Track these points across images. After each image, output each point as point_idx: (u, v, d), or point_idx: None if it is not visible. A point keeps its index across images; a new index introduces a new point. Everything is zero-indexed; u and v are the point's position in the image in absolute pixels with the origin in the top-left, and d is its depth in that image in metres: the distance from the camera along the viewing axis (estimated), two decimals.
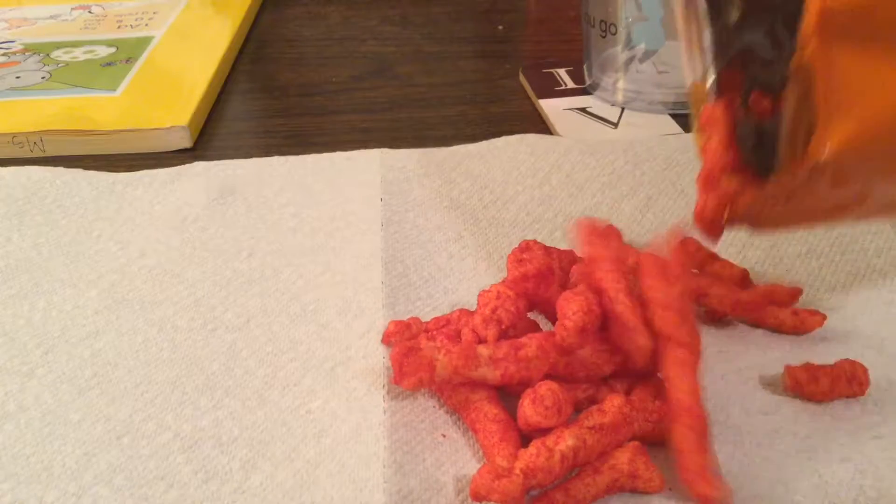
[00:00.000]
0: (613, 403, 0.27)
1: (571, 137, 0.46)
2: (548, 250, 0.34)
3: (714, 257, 0.34)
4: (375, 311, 0.34)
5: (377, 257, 0.37)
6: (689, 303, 0.28)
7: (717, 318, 0.33)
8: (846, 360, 0.29)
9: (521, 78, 0.54)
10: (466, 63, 0.58)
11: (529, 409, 0.26)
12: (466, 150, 0.45)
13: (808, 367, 0.29)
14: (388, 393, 0.30)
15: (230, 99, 0.54)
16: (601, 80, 0.50)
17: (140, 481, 0.27)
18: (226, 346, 0.32)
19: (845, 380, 0.29)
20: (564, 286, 0.32)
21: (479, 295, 0.30)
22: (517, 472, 0.25)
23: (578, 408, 0.29)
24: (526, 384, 0.28)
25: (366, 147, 0.45)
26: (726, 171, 0.28)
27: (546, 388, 0.26)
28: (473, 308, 0.33)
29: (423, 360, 0.27)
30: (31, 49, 0.58)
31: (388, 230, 0.39)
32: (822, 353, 0.31)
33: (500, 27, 0.64)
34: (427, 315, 0.34)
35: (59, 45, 0.59)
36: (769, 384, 0.30)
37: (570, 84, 0.52)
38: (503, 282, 0.30)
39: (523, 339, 0.28)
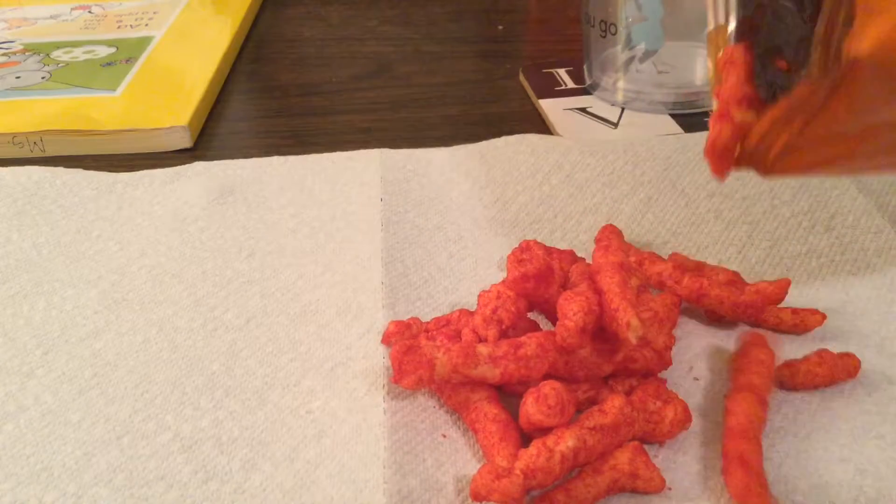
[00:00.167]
0: (614, 404, 0.27)
1: (571, 137, 0.46)
2: (548, 250, 0.34)
3: (704, 264, 0.34)
4: (375, 312, 0.34)
5: (377, 257, 0.37)
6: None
7: (716, 319, 0.33)
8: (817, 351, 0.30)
9: (521, 78, 0.54)
10: (466, 63, 0.58)
11: (532, 408, 0.26)
12: (466, 150, 0.45)
13: (789, 363, 0.30)
14: (388, 393, 0.30)
15: (230, 99, 0.54)
16: (601, 80, 0.50)
17: (140, 481, 0.27)
18: (226, 347, 0.32)
19: (826, 367, 0.29)
20: (564, 286, 0.32)
21: (480, 295, 0.30)
22: (517, 472, 0.25)
23: (579, 408, 0.29)
24: (526, 383, 0.29)
25: (366, 147, 0.45)
26: (742, 106, 0.28)
27: (549, 388, 0.26)
28: (473, 308, 0.33)
29: (422, 359, 0.27)
30: (31, 49, 0.58)
31: (388, 230, 0.39)
32: None
33: (500, 27, 0.64)
34: (427, 315, 0.34)
35: (59, 45, 0.59)
36: None
37: (570, 84, 0.52)
38: (503, 282, 0.30)
39: (523, 339, 0.28)
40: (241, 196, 0.42)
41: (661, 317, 0.29)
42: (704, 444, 0.28)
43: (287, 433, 0.29)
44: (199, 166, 0.44)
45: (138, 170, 0.44)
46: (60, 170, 0.44)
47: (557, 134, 0.47)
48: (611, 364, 0.29)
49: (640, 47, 0.48)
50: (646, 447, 0.27)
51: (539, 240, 0.38)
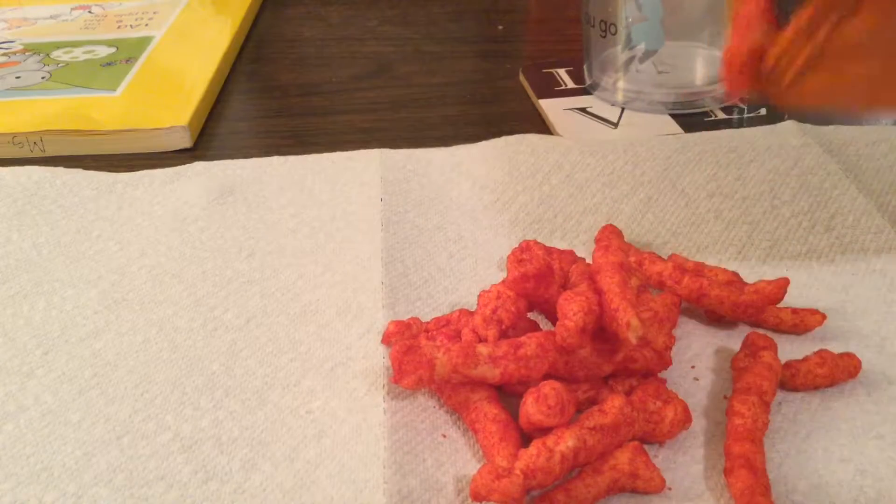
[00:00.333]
0: (614, 404, 0.27)
1: (571, 137, 0.46)
2: (548, 250, 0.34)
3: (703, 264, 0.34)
4: (375, 312, 0.34)
5: (377, 257, 0.37)
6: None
7: (716, 319, 0.33)
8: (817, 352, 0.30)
9: (521, 78, 0.54)
10: (466, 63, 0.58)
11: (533, 408, 0.26)
12: (466, 150, 0.45)
13: (789, 364, 0.30)
14: (388, 393, 0.30)
15: (230, 99, 0.54)
16: (601, 80, 0.50)
17: (140, 481, 0.27)
18: (226, 347, 0.32)
19: (827, 367, 0.29)
20: (564, 286, 0.32)
21: (480, 295, 0.30)
22: (517, 472, 0.25)
23: (579, 408, 0.29)
24: (525, 383, 0.28)
25: (366, 147, 0.45)
26: (763, 20, 0.27)
27: (550, 388, 0.26)
28: (473, 308, 0.33)
29: (422, 359, 0.27)
30: (31, 49, 0.58)
31: (388, 230, 0.39)
32: None
33: (500, 27, 0.64)
34: (427, 315, 0.34)
35: (59, 45, 0.59)
36: None
37: (570, 84, 0.52)
38: (503, 282, 0.30)
39: (523, 339, 0.28)
40: (241, 196, 0.42)
41: (661, 317, 0.29)
42: (704, 444, 0.28)
43: (287, 433, 0.29)
44: (199, 166, 0.44)
45: (138, 170, 0.44)
46: (60, 170, 0.44)
47: (557, 134, 0.47)
48: (611, 364, 0.29)
49: (640, 47, 0.48)
50: (646, 447, 0.27)
51: (539, 240, 0.38)
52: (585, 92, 0.51)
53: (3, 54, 0.58)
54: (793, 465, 0.27)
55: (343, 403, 0.30)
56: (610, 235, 0.34)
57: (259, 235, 0.39)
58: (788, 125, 0.46)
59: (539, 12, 0.68)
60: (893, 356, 0.31)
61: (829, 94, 0.27)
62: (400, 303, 0.34)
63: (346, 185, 0.42)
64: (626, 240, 0.36)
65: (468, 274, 0.36)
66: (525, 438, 0.27)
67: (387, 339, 0.32)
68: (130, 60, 0.56)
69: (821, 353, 0.30)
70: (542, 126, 0.49)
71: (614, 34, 0.48)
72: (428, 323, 0.32)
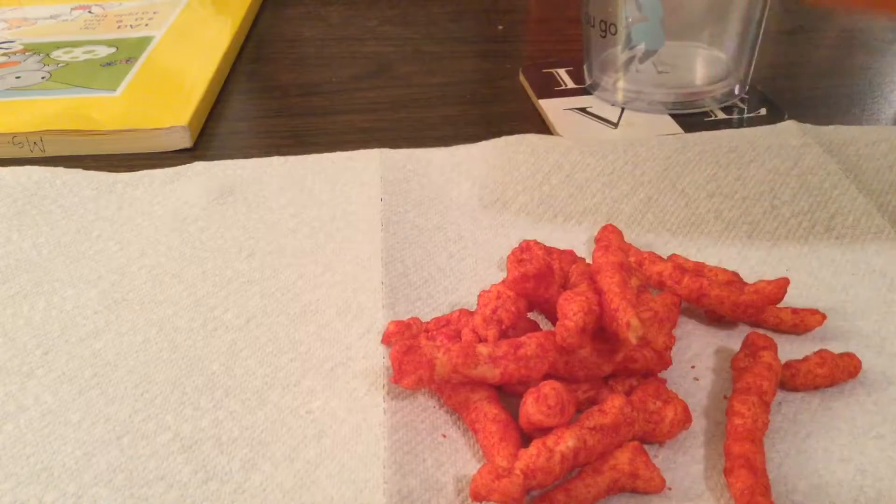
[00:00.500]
0: (614, 404, 0.27)
1: (571, 137, 0.46)
2: (548, 250, 0.34)
3: (703, 265, 0.34)
4: (375, 312, 0.34)
5: (377, 257, 0.37)
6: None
7: (716, 319, 0.33)
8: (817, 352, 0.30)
9: (521, 78, 0.54)
10: (466, 63, 0.58)
11: (532, 408, 0.26)
12: (466, 150, 0.45)
13: (789, 364, 0.30)
14: (388, 393, 0.30)
15: (230, 99, 0.54)
16: (601, 80, 0.50)
17: (140, 481, 0.27)
18: (226, 347, 0.32)
19: (827, 367, 0.29)
20: (564, 286, 0.32)
21: (480, 295, 0.30)
22: (517, 472, 0.25)
23: (579, 408, 0.29)
24: (526, 383, 0.29)
25: (366, 147, 0.45)
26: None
27: (549, 388, 0.26)
28: (473, 308, 0.33)
29: (422, 359, 0.27)
30: (31, 49, 0.58)
31: (388, 230, 0.39)
32: None
33: (500, 27, 0.64)
34: (427, 315, 0.34)
35: (59, 45, 0.59)
36: None
37: (570, 84, 0.52)
38: (503, 282, 0.30)
39: (523, 339, 0.28)
40: (241, 196, 0.42)
41: (661, 317, 0.29)
42: (704, 444, 0.28)
43: (287, 433, 0.29)
44: (199, 166, 0.44)
45: (138, 170, 0.44)
46: (60, 170, 0.44)
47: (557, 134, 0.47)
48: (611, 364, 0.29)
49: (640, 47, 0.48)
50: (646, 447, 0.27)
51: (539, 240, 0.38)
52: (585, 92, 0.51)
53: (3, 54, 0.58)
54: (793, 465, 0.27)
55: (343, 403, 0.30)
56: (610, 235, 0.34)
57: (259, 235, 0.39)
58: (788, 125, 0.46)
59: (539, 12, 0.68)
60: (893, 356, 0.31)
61: None
62: (400, 303, 0.34)
63: (346, 185, 0.42)
64: (626, 240, 0.36)
65: (468, 274, 0.36)
66: (525, 438, 0.27)
67: (387, 339, 0.32)
68: (130, 60, 0.56)
69: (821, 353, 0.30)
70: (542, 126, 0.49)
71: (614, 34, 0.48)
72: (428, 323, 0.32)
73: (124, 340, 0.33)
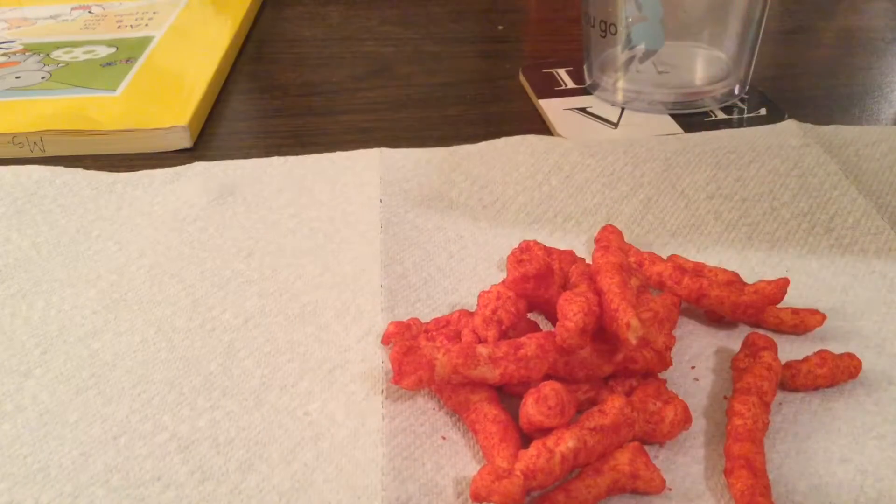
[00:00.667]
0: (614, 405, 0.27)
1: (571, 137, 0.46)
2: (548, 251, 0.34)
3: (703, 265, 0.34)
4: (375, 314, 0.34)
5: (376, 259, 0.37)
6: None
7: (716, 319, 0.33)
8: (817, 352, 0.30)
9: (521, 78, 0.54)
10: (466, 63, 0.58)
11: (533, 409, 0.26)
12: (466, 150, 0.45)
13: (790, 364, 0.29)
14: (386, 398, 0.30)
15: (230, 99, 0.54)
16: (601, 80, 0.50)
17: (136, 482, 0.27)
18: (224, 347, 0.32)
19: (828, 367, 0.29)
20: (564, 287, 0.32)
21: (480, 296, 0.30)
22: (517, 473, 0.25)
23: (579, 409, 0.28)
24: (526, 384, 0.28)
25: (366, 147, 0.45)
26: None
27: (550, 388, 0.26)
28: (473, 309, 0.33)
29: (422, 360, 0.27)
30: (31, 49, 0.58)
31: (387, 231, 0.38)
32: None
33: (500, 27, 0.64)
34: (427, 316, 0.33)
35: (59, 45, 0.59)
36: None
37: (570, 84, 0.52)
38: (503, 282, 0.30)
39: (523, 339, 0.28)
40: (241, 196, 0.42)
41: (661, 317, 0.29)
42: (705, 444, 0.28)
43: (284, 434, 0.29)
44: (198, 166, 0.44)
45: (138, 170, 0.44)
46: (60, 169, 0.44)
47: (557, 134, 0.47)
48: (611, 364, 0.29)
49: (640, 47, 0.47)
50: (646, 448, 0.27)
51: (539, 240, 0.38)
52: (585, 92, 0.51)
53: (3, 54, 0.58)
54: (793, 466, 0.27)
55: (341, 406, 0.30)
56: (610, 236, 0.34)
57: (258, 236, 0.39)
58: (788, 125, 0.46)
59: (539, 12, 0.68)
60: (894, 357, 0.31)
61: None
62: (399, 304, 0.34)
63: (346, 186, 0.42)
64: (625, 240, 0.36)
65: (468, 274, 0.36)
66: (525, 439, 0.27)
67: (386, 340, 0.32)
68: (130, 60, 0.56)
69: (821, 354, 0.29)
70: (542, 126, 0.49)
71: (614, 34, 0.48)
72: (428, 324, 0.32)
73: (122, 340, 0.33)
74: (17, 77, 0.54)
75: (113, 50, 0.58)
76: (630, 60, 0.48)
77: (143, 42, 0.59)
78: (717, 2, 0.46)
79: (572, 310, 0.27)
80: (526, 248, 0.34)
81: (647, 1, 0.45)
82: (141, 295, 0.35)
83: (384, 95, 0.53)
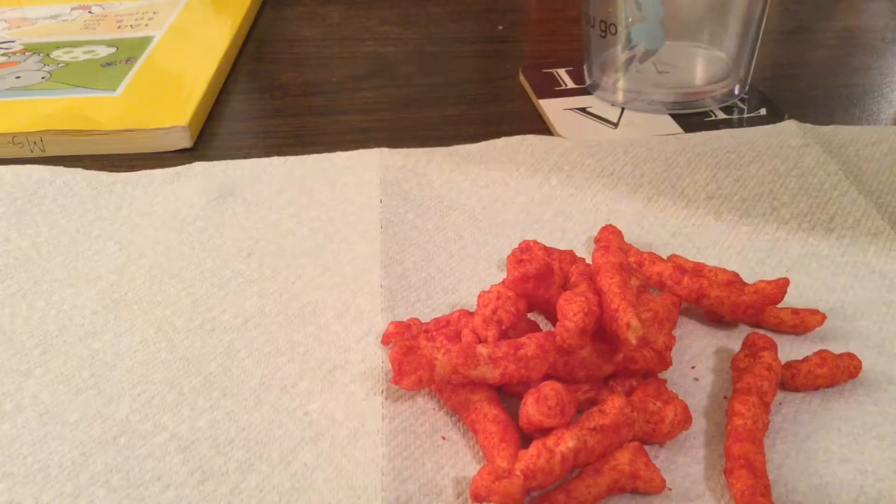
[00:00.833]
0: (614, 405, 0.27)
1: (571, 137, 0.46)
2: (548, 251, 0.34)
3: (703, 265, 0.34)
4: (374, 314, 0.34)
5: (376, 259, 0.37)
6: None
7: (716, 319, 0.33)
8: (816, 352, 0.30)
9: (521, 78, 0.54)
10: (466, 63, 0.58)
11: (533, 409, 0.26)
12: (466, 150, 0.45)
13: (790, 364, 0.29)
14: (386, 398, 0.30)
15: (230, 99, 0.54)
16: (601, 80, 0.50)
17: (136, 482, 0.27)
18: (223, 347, 0.32)
19: (828, 367, 0.29)
20: (564, 287, 0.32)
21: (480, 296, 0.30)
22: (517, 472, 0.25)
23: (579, 409, 0.28)
24: (526, 384, 0.28)
25: (366, 147, 0.45)
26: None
27: (550, 388, 0.26)
28: (473, 309, 0.33)
29: (422, 360, 0.27)
30: (31, 49, 0.58)
31: (387, 231, 0.38)
32: None
33: (500, 27, 0.64)
34: (427, 316, 0.33)
35: (59, 45, 0.59)
36: None
37: (570, 84, 0.52)
38: (503, 282, 0.30)
39: (523, 339, 0.28)
40: (241, 196, 0.42)
41: (661, 317, 0.29)
42: (705, 444, 0.28)
43: (284, 434, 0.29)
44: (198, 166, 0.44)
45: (138, 170, 0.44)
46: (60, 169, 0.44)
47: (557, 134, 0.47)
48: (611, 364, 0.29)
49: (640, 47, 0.47)
50: (646, 448, 0.27)
51: (539, 240, 0.38)
52: (585, 92, 0.51)
53: (3, 54, 0.58)
54: (793, 466, 0.27)
55: (341, 407, 0.30)
56: (610, 236, 0.34)
57: (258, 236, 0.39)
58: (788, 125, 0.46)
59: (539, 12, 0.68)
60: (894, 356, 0.31)
61: None
62: (399, 304, 0.34)
63: (346, 186, 0.42)
64: (626, 240, 0.36)
65: (468, 274, 0.36)
66: (525, 439, 0.27)
67: (386, 340, 0.32)
68: (130, 60, 0.56)
69: (821, 354, 0.29)
70: (542, 126, 0.49)
71: (614, 34, 0.48)
72: (428, 324, 0.32)
73: (122, 340, 0.33)
74: (17, 77, 0.54)
75: (113, 50, 0.58)
76: (630, 60, 0.48)
77: (143, 42, 0.59)
78: (717, 2, 0.46)
79: (572, 310, 0.27)
80: (526, 248, 0.34)
81: (647, 1, 0.45)
82: (141, 295, 0.35)
83: (384, 95, 0.53)
